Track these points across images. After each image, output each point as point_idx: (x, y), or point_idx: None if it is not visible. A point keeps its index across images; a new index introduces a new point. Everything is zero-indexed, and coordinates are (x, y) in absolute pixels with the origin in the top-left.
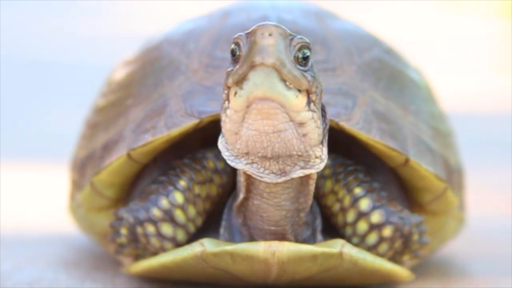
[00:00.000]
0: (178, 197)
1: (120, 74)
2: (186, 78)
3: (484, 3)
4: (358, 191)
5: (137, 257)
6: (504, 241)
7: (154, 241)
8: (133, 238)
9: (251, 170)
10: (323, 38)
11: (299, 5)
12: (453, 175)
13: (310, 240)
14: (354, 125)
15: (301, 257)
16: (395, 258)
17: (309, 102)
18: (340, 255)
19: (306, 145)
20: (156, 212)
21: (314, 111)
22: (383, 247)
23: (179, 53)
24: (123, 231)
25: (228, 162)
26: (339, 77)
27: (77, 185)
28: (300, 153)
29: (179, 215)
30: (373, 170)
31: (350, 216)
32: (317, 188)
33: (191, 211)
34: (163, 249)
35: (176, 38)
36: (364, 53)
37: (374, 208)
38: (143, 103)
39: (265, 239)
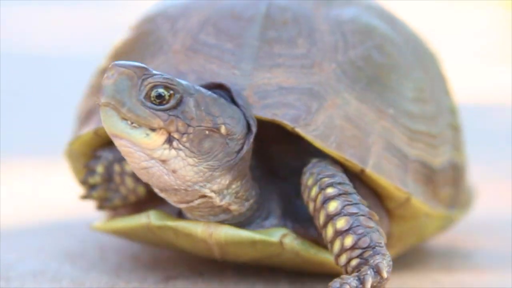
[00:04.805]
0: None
1: (121, 39)
2: (166, 59)
3: None
4: (329, 191)
5: (104, 204)
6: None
7: (129, 182)
8: (108, 177)
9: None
10: (311, 30)
11: None
12: (436, 176)
13: (264, 224)
14: (311, 132)
15: (239, 242)
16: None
17: (170, 140)
18: (281, 244)
19: (184, 181)
20: None
21: (180, 149)
22: (343, 258)
23: (168, 31)
24: (99, 169)
25: None
26: (314, 76)
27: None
28: (184, 188)
29: None
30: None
31: (321, 218)
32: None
33: None
34: (135, 193)
35: (170, 12)
36: (351, 49)
37: (340, 213)
38: None
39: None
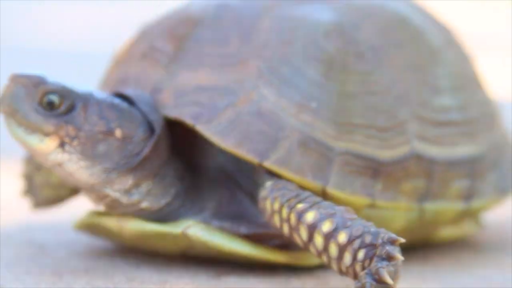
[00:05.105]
0: None
1: (122, 47)
2: (127, 67)
3: None
4: (300, 206)
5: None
6: None
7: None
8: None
9: None
10: (250, 29)
11: None
12: (388, 168)
13: (193, 219)
14: (210, 128)
15: (146, 234)
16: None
17: (62, 144)
18: (184, 235)
19: (82, 183)
20: None
21: (72, 153)
22: (347, 257)
23: (141, 40)
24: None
25: None
26: (235, 74)
27: None
28: (89, 188)
29: None
30: None
31: (303, 233)
32: (262, 209)
33: None
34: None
35: (151, 22)
36: (281, 46)
37: (321, 219)
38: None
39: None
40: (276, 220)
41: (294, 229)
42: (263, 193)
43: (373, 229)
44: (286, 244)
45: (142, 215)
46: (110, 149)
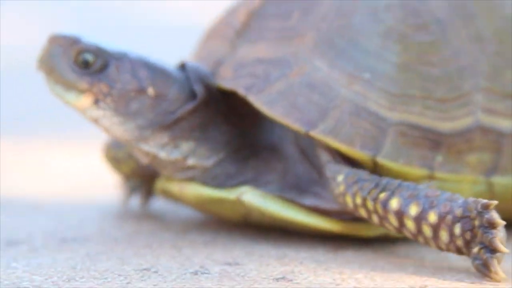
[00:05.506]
0: None
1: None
2: (208, 40)
3: None
4: (383, 195)
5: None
6: None
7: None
8: None
9: None
10: (314, 3)
11: None
12: (449, 140)
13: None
14: (261, 98)
15: (203, 199)
16: (469, 249)
17: (97, 101)
18: (239, 201)
19: (120, 138)
20: None
21: (106, 109)
22: (443, 235)
23: (226, 16)
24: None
25: None
26: (292, 46)
27: None
28: (128, 145)
29: None
30: None
31: (393, 221)
32: (342, 204)
33: None
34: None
35: (234, 4)
36: (338, 18)
37: (406, 203)
38: None
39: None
40: (363, 213)
41: (383, 218)
42: (338, 189)
43: (460, 200)
44: (356, 218)
45: (199, 179)
46: (143, 107)
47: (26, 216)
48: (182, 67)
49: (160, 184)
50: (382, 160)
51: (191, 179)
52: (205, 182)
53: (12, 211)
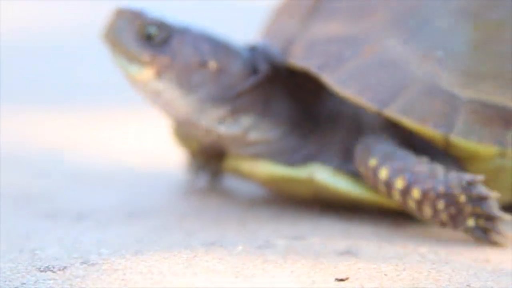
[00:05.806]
0: None
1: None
2: (279, 17)
3: None
4: (373, 162)
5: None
6: None
7: None
8: None
9: None
10: None
11: None
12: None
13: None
14: (334, 77)
15: (275, 177)
16: (455, 222)
17: (159, 74)
18: (311, 180)
19: (179, 112)
20: None
21: (168, 82)
22: (427, 210)
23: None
24: None
25: None
26: (364, 24)
27: None
28: (187, 120)
29: None
30: None
31: (383, 189)
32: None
33: None
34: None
35: None
36: None
37: (394, 174)
38: None
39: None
40: (385, 187)
41: (375, 184)
42: (371, 153)
43: (441, 177)
44: None
45: (266, 155)
46: (205, 80)
47: (95, 190)
48: (253, 47)
49: (230, 162)
50: (454, 137)
51: (258, 156)
52: (273, 158)
53: (81, 185)
